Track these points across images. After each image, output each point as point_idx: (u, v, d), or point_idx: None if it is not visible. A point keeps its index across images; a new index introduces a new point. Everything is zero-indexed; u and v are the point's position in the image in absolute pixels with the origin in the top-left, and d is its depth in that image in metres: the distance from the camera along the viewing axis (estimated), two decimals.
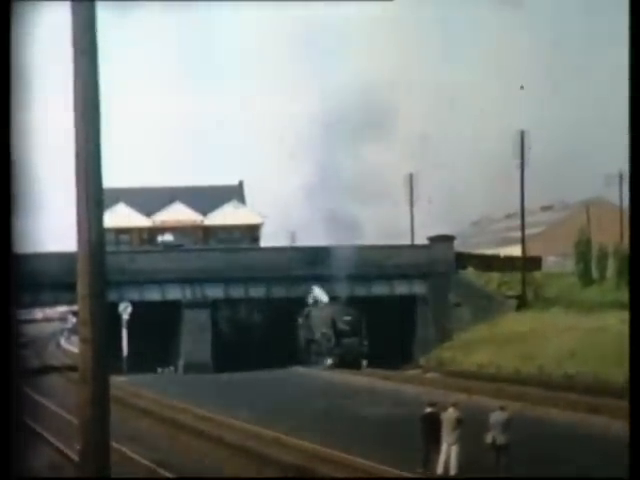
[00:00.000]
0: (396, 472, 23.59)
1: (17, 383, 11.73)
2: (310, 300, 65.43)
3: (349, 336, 61.59)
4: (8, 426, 11.35)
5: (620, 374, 43.69)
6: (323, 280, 63.80)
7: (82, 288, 12.15)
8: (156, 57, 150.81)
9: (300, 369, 61.86)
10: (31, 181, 12.13)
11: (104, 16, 12.60)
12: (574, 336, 52.09)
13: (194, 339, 62.37)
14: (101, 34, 12.13)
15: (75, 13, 11.70)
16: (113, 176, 34.62)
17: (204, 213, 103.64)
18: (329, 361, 61.11)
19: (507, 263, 73.65)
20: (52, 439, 29.93)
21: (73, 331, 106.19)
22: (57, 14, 11.89)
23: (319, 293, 65.17)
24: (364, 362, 60.01)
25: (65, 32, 11.85)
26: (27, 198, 12.01)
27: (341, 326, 62.13)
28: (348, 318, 62.36)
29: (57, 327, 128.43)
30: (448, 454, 23.88)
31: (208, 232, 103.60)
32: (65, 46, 12.00)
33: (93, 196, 12.17)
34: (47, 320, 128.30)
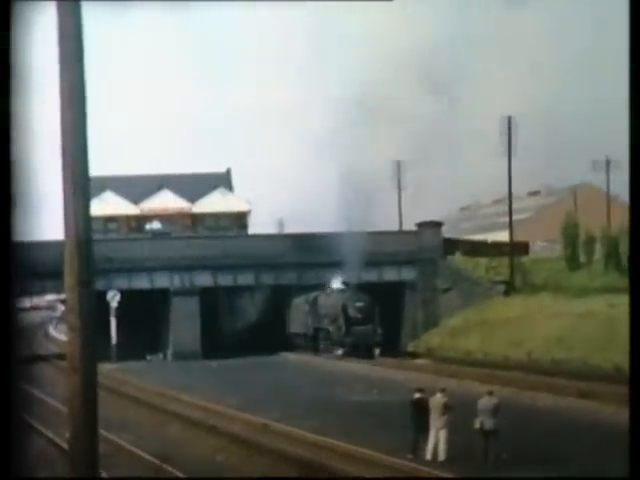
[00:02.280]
0: (386, 458, 23.65)
1: (17, 378, 11.71)
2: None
3: (361, 324, 58.42)
4: (8, 422, 11.31)
5: (608, 359, 43.91)
6: (312, 267, 63.84)
7: (70, 277, 12.13)
8: (148, 48, 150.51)
9: (290, 355, 61.89)
10: (31, 181, 12.11)
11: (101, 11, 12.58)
12: (562, 321, 52.24)
13: (183, 327, 62.35)
14: (93, 27, 12.12)
15: (61, 12, 11.67)
16: (100, 164, 34.63)
17: (192, 200, 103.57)
18: (339, 351, 57.97)
19: (495, 248, 73.79)
20: (41, 428, 29.92)
21: (62, 320, 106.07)
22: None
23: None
24: (377, 351, 57.43)
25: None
26: (27, 197, 11.99)
27: (352, 313, 59.01)
28: (360, 304, 59.30)
29: (45, 316, 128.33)
30: (436, 439, 23.98)
31: (196, 220, 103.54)
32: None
33: (80, 184, 12.14)
34: (35, 309, 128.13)
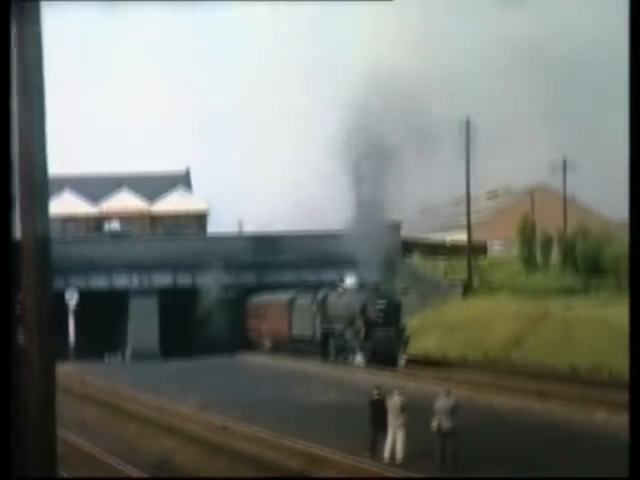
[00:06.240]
0: (345, 457, 23.72)
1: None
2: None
3: (383, 326, 50.27)
4: (8, 423, 11.27)
5: (564, 360, 44.29)
6: (271, 267, 63.88)
7: (27, 277, 12.10)
8: (110, 43, 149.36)
9: (248, 357, 61.77)
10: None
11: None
12: (519, 322, 52.59)
13: (141, 327, 62.22)
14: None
15: (19, 12, 11.64)
16: (58, 163, 34.41)
17: (151, 200, 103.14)
18: (358, 358, 49.93)
19: (453, 249, 74.20)
20: None
21: (17, 321, 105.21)
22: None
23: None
24: (403, 359, 49.40)
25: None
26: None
27: (374, 315, 50.56)
28: (382, 305, 51.05)
29: None
30: (394, 439, 24.07)
31: (155, 220, 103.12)
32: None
33: (38, 184, 12.10)
34: None
